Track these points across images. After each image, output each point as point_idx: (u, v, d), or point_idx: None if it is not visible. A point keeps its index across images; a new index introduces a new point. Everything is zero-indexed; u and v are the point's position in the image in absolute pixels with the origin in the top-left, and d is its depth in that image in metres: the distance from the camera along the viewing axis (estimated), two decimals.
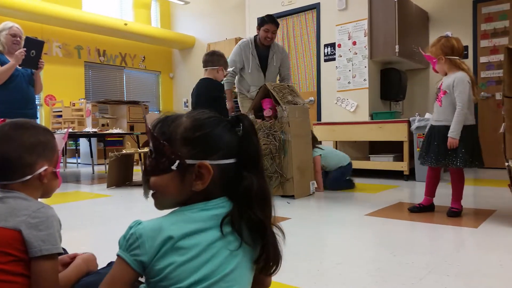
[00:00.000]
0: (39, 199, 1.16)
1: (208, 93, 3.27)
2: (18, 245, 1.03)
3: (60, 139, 1.24)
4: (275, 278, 1.73)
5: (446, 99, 2.87)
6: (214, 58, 3.36)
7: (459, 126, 2.78)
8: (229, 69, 4.18)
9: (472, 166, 2.82)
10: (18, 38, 3.60)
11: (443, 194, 3.32)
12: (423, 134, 3.36)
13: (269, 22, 4.31)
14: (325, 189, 4.12)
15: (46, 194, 1.20)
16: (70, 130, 6.41)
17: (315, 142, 4.27)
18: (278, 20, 6.35)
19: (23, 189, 1.12)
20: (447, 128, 2.83)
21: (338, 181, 4.17)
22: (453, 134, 2.78)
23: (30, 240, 1.03)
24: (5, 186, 1.12)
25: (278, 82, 4.61)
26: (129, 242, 0.86)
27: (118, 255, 0.88)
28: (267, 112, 3.86)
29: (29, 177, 1.12)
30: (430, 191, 3.03)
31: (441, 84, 2.94)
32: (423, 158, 2.99)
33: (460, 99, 2.78)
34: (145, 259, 0.85)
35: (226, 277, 0.86)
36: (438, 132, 2.90)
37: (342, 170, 4.24)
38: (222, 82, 3.74)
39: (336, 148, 5.71)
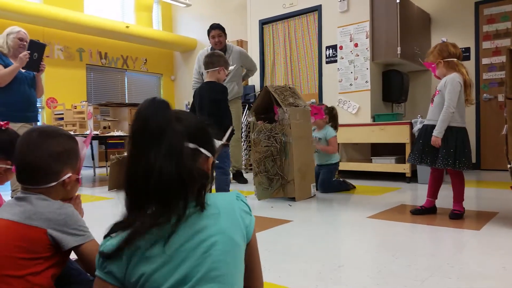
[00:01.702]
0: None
1: (210, 96, 3.26)
2: (44, 242, 1.09)
3: (81, 143, 1.28)
4: (277, 281, 1.73)
5: (438, 98, 2.90)
6: (213, 59, 3.36)
7: (443, 125, 2.79)
8: (194, 77, 5.19)
9: (455, 168, 2.79)
10: (25, 43, 3.63)
11: (446, 196, 3.31)
12: None
13: (212, 29, 4.86)
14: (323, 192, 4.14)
15: (66, 197, 1.26)
16: (72, 132, 6.41)
17: (335, 121, 4.41)
18: (280, 22, 6.42)
19: (46, 193, 1.17)
20: (433, 127, 2.86)
21: (327, 182, 4.18)
22: (436, 133, 2.80)
23: (62, 236, 1.11)
24: (28, 189, 1.17)
25: (243, 74, 5.24)
26: (100, 260, 0.88)
27: (95, 274, 0.91)
28: (277, 117, 3.87)
29: (54, 183, 1.17)
30: (432, 193, 3.03)
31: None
32: (409, 155, 3.07)
33: (447, 98, 2.80)
34: (118, 274, 0.87)
35: (204, 279, 0.84)
36: (425, 131, 2.94)
37: (330, 168, 4.25)
38: (224, 84, 3.78)
39: (338, 150, 5.72)
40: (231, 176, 5.30)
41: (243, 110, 5.85)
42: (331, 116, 4.45)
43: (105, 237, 0.90)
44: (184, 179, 0.88)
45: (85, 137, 1.38)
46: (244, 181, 5.01)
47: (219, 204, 0.91)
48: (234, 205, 0.93)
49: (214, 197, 0.93)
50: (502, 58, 5.61)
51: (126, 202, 0.89)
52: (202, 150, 0.95)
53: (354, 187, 4.36)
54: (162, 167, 0.85)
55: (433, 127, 2.86)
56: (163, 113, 0.89)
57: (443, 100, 2.84)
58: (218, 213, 0.90)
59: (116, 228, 0.88)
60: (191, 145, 0.92)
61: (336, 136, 4.31)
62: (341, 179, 4.43)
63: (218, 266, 0.85)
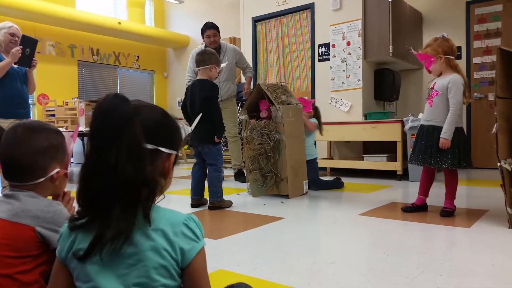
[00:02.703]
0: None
1: (201, 94, 3.27)
2: (33, 240, 1.08)
3: (68, 138, 1.26)
4: (269, 277, 1.73)
5: (438, 99, 2.88)
6: (205, 57, 3.36)
7: (452, 127, 2.79)
8: (187, 75, 5.12)
9: (460, 167, 2.83)
10: (16, 38, 3.60)
11: (436, 194, 3.33)
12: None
13: (207, 28, 4.88)
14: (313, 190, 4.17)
15: (55, 192, 1.24)
16: (64, 129, 6.36)
17: (318, 121, 4.45)
18: (273, 19, 6.42)
19: (34, 189, 1.15)
20: (435, 128, 2.86)
21: (317, 180, 4.20)
22: (446, 135, 2.79)
23: (50, 234, 1.09)
24: (16, 186, 1.15)
25: (241, 74, 5.32)
26: (57, 237, 0.94)
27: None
28: (263, 113, 3.88)
29: (42, 179, 1.15)
30: (424, 191, 3.05)
31: (434, 84, 2.95)
32: (410, 157, 3.04)
33: (454, 101, 2.79)
34: (62, 255, 0.90)
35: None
36: (426, 132, 2.92)
37: (313, 166, 4.24)
38: (215, 82, 3.79)
39: (330, 148, 5.75)
40: (224, 175, 5.29)
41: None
42: (316, 114, 4.49)
43: (70, 220, 0.90)
44: (141, 185, 0.86)
45: (72, 132, 1.36)
46: (244, 180, 4.97)
47: (161, 222, 0.88)
48: (176, 228, 0.89)
49: (160, 212, 0.90)
50: (493, 58, 5.65)
51: (82, 196, 0.88)
52: (162, 149, 0.93)
53: (343, 185, 4.38)
54: (124, 169, 0.83)
55: (434, 128, 2.86)
56: (123, 108, 0.86)
57: (444, 101, 2.84)
58: (156, 230, 0.87)
59: (77, 221, 0.88)
60: (150, 146, 0.90)
61: (316, 124, 4.36)
62: (334, 177, 4.45)
63: (144, 281, 0.85)
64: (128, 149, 0.84)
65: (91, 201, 0.87)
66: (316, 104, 5.81)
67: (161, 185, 0.94)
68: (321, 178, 4.37)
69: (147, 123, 0.91)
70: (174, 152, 0.96)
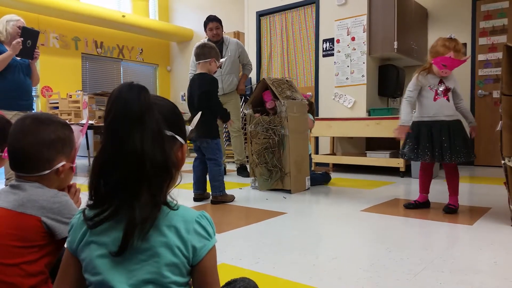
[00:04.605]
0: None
1: (200, 88, 3.26)
2: (39, 230, 1.08)
3: (77, 132, 1.26)
4: (270, 272, 1.74)
5: (451, 95, 2.95)
6: (205, 51, 3.34)
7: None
8: (190, 69, 4.97)
9: (471, 159, 2.90)
10: None
11: (439, 191, 3.33)
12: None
13: (209, 21, 4.89)
14: None
15: (61, 186, 1.24)
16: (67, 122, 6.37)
17: (312, 115, 4.38)
18: (277, 14, 6.40)
19: (39, 181, 1.15)
20: (458, 122, 2.90)
21: (311, 176, 4.18)
22: (475, 122, 2.99)
23: (56, 225, 1.10)
24: (22, 177, 1.15)
25: (240, 69, 5.25)
26: (67, 228, 0.94)
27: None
28: (270, 104, 3.84)
29: (47, 171, 1.15)
30: (425, 189, 3.06)
31: (440, 81, 2.95)
32: (440, 156, 2.81)
33: (461, 94, 2.99)
34: (73, 246, 0.90)
35: (138, 285, 0.85)
36: (449, 127, 2.85)
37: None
38: (218, 75, 3.78)
39: (333, 144, 5.74)
40: (226, 169, 5.28)
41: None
42: (311, 109, 4.45)
43: (90, 218, 0.87)
44: (168, 167, 0.87)
45: (82, 126, 1.36)
46: (247, 175, 4.95)
47: (174, 218, 0.88)
48: (188, 225, 0.88)
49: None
50: (498, 55, 5.62)
51: (100, 186, 0.88)
52: (178, 137, 0.94)
53: (330, 178, 4.39)
54: (151, 152, 0.83)
55: (457, 122, 2.89)
56: (143, 97, 0.86)
57: (453, 96, 2.96)
58: (169, 226, 0.87)
59: (96, 218, 0.87)
60: (169, 133, 0.91)
61: (312, 121, 4.33)
62: (321, 172, 4.43)
63: (154, 277, 0.84)
64: (151, 133, 0.85)
65: (113, 190, 0.85)
66: (320, 99, 5.84)
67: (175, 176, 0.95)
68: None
69: (163, 111, 0.92)
70: (185, 143, 0.98)
